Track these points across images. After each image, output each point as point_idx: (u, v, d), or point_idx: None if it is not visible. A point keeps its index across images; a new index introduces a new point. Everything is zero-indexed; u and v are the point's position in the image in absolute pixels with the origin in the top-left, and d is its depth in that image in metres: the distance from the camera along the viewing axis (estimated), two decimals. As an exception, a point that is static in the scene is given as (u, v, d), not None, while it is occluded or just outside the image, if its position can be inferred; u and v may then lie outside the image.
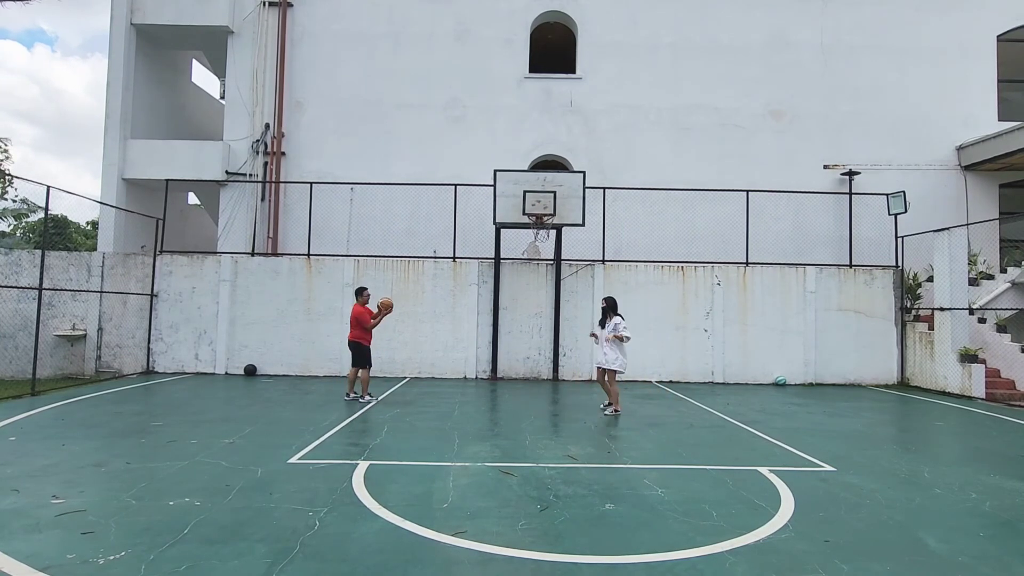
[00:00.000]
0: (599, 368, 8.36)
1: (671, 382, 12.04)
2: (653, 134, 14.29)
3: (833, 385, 12.05)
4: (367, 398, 9.07)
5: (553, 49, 16.16)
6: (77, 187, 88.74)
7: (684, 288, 12.36)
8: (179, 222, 16.88)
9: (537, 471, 5.39)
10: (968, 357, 10.92)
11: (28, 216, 23.64)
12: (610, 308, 8.28)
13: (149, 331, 12.15)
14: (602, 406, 8.54)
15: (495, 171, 11.41)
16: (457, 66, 14.39)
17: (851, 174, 13.90)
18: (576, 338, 12.18)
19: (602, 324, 8.32)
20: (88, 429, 6.90)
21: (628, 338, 8.13)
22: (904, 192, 12.49)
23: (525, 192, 11.08)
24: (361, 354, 9.02)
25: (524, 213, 11.10)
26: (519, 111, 14.35)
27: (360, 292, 9.28)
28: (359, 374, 9.07)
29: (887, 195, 12.80)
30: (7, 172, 20.98)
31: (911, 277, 12.63)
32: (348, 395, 9.19)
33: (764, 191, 13.24)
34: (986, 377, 10.74)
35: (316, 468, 5.40)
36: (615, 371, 8.15)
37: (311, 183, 13.17)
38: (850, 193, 13.65)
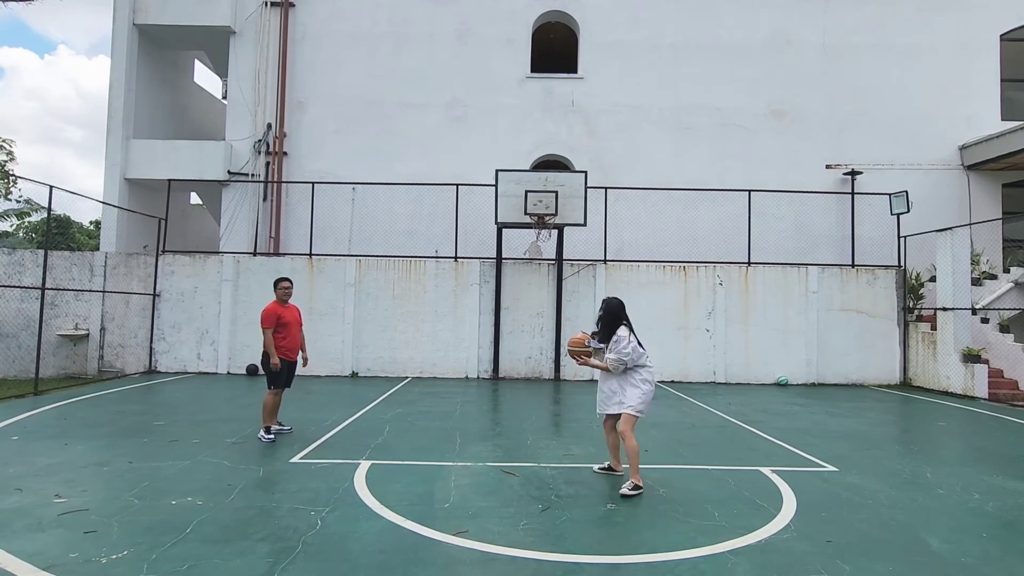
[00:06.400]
0: (606, 417, 5.18)
1: (673, 382, 12.03)
2: (655, 134, 14.28)
3: (835, 385, 12.03)
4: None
5: (555, 49, 16.16)
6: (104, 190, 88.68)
7: (686, 288, 12.35)
8: (181, 222, 16.91)
9: (539, 471, 5.39)
10: (971, 357, 10.89)
11: (31, 216, 23.67)
12: (615, 317, 5.14)
13: (151, 331, 12.17)
14: (626, 489, 4.73)
15: (497, 171, 11.41)
16: (458, 66, 14.39)
17: (853, 174, 13.87)
18: (578, 338, 12.18)
19: (603, 339, 5.16)
20: (91, 428, 6.91)
21: (623, 363, 4.97)
22: (906, 192, 12.46)
23: (527, 192, 11.07)
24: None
25: (526, 213, 11.09)
26: (521, 111, 14.34)
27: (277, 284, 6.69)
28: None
29: (889, 195, 12.76)
30: (11, 173, 21.05)
31: (914, 277, 12.59)
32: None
33: (766, 191, 13.21)
34: (989, 377, 10.72)
35: (318, 467, 5.40)
36: (633, 415, 4.92)
37: (313, 183, 13.18)
38: (852, 193, 13.63)
